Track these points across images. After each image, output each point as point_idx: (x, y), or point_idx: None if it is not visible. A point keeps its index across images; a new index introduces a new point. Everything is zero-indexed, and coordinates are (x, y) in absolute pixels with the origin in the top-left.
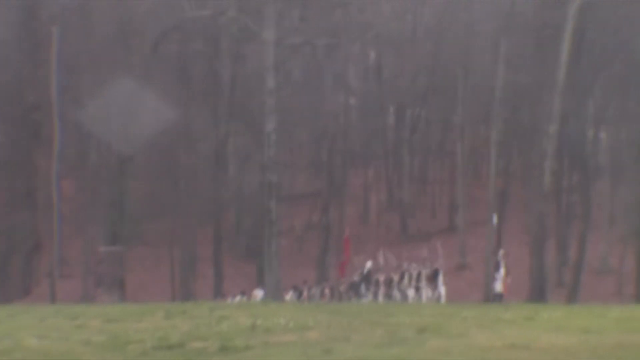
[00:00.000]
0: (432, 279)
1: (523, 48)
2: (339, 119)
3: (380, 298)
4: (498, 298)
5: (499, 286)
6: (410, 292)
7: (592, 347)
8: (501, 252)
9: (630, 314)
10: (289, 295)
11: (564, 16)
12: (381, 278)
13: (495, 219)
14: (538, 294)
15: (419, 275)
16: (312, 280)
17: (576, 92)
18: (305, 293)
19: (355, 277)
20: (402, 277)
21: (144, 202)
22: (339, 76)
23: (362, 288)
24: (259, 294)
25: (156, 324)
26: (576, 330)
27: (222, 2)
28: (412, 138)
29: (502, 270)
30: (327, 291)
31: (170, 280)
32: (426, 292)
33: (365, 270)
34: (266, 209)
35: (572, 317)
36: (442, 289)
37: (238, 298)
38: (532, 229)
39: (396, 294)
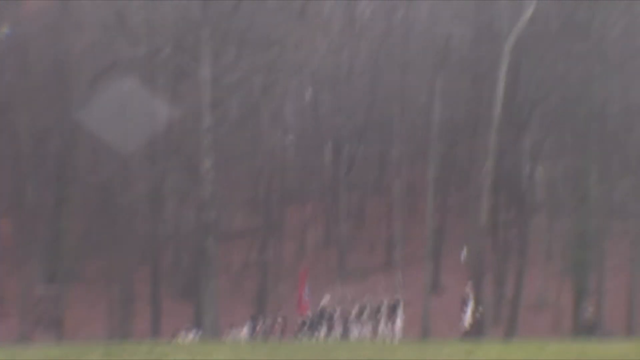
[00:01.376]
0: (392, 311)
1: (459, 84)
2: (276, 156)
3: (337, 333)
4: (468, 332)
5: (467, 320)
6: (367, 327)
7: None
8: (468, 285)
9: (566, 348)
10: (246, 326)
11: (500, 51)
12: (337, 312)
13: (464, 253)
14: (476, 329)
15: (379, 307)
16: (271, 311)
17: (512, 127)
18: (260, 323)
19: (309, 313)
20: (362, 311)
21: (81, 240)
22: (276, 113)
23: (314, 324)
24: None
25: None
26: None
27: (158, 40)
28: (349, 174)
29: (471, 304)
30: (280, 321)
31: (108, 318)
32: (385, 326)
33: (320, 305)
34: (203, 247)
35: (509, 352)
36: (399, 323)
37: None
38: (469, 264)
39: (353, 328)
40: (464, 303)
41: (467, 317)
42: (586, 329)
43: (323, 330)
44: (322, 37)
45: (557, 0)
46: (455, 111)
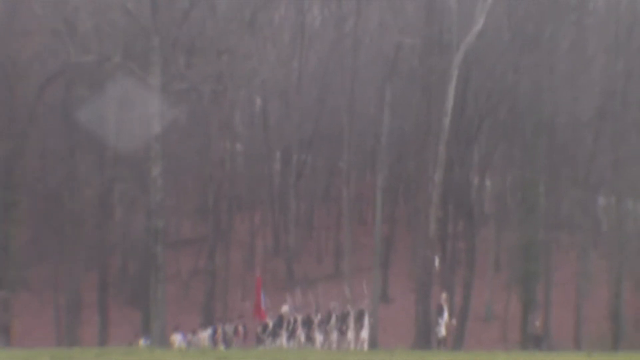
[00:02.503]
0: (358, 320)
1: (408, 95)
2: (225, 164)
3: (302, 339)
4: (442, 342)
5: (442, 330)
6: (334, 335)
7: None
8: (443, 296)
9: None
10: (205, 333)
11: (449, 63)
12: (299, 318)
13: (437, 261)
14: (423, 340)
15: (346, 316)
16: (231, 316)
17: (461, 139)
18: (219, 330)
19: (269, 319)
20: (328, 318)
21: (29, 247)
22: (225, 122)
23: (274, 331)
24: (177, 338)
25: None
26: None
27: (108, 48)
28: (298, 184)
29: (446, 315)
30: (240, 328)
31: (56, 325)
32: (352, 334)
33: (280, 313)
34: (152, 255)
35: None
36: (366, 332)
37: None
38: (417, 275)
39: (317, 335)
40: (439, 313)
41: (442, 328)
42: (533, 341)
43: (284, 337)
44: (272, 47)
45: (507, 13)
46: (404, 122)
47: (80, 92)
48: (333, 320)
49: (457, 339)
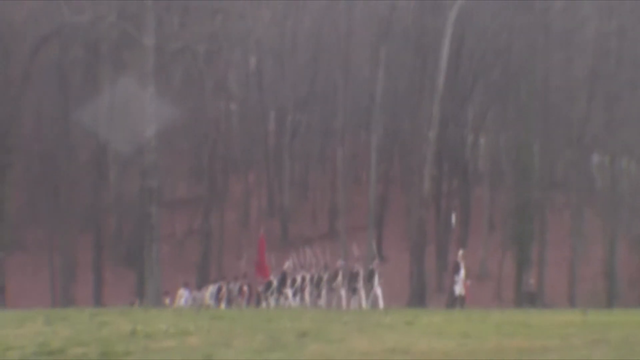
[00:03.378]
0: (369, 279)
1: (403, 54)
2: (220, 124)
3: (307, 298)
4: (460, 301)
5: (459, 289)
6: (343, 292)
7: (471, 352)
8: (460, 252)
9: (508, 318)
10: (209, 290)
11: (443, 23)
12: (307, 276)
13: (454, 219)
14: (418, 299)
15: (355, 274)
16: (231, 275)
17: (455, 98)
18: (224, 288)
19: (272, 277)
20: (335, 276)
21: (24, 208)
22: (220, 82)
23: (274, 288)
24: (183, 293)
25: (37, 330)
26: (455, 335)
27: (102, 8)
28: (293, 144)
29: (462, 272)
30: (245, 288)
31: (51, 286)
32: (363, 293)
33: (284, 269)
34: (146, 215)
35: (451, 321)
36: (379, 290)
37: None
38: (412, 234)
39: (324, 294)
40: (455, 271)
41: (459, 286)
42: (528, 299)
43: (289, 294)
44: (266, 6)
45: None
46: (398, 81)
47: (75, 53)
48: (340, 278)
49: (451, 297)
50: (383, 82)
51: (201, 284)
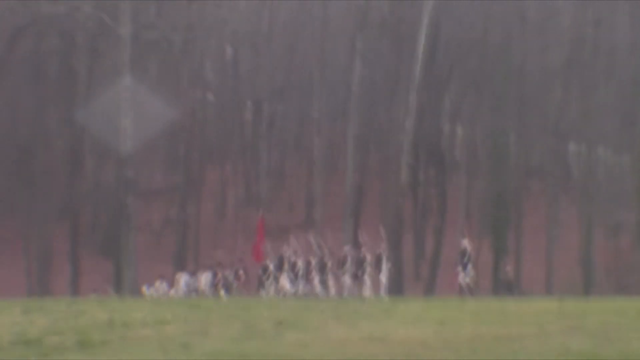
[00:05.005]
0: (376, 265)
1: (379, 44)
2: (196, 114)
3: (315, 284)
4: (469, 290)
5: (467, 278)
6: (347, 279)
7: (447, 339)
8: (466, 241)
9: (485, 306)
10: (204, 276)
11: (420, 12)
12: (312, 261)
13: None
14: (395, 287)
15: (362, 261)
16: (226, 262)
17: (432, 87)
18: (219, 275)
19: (269, 262)
20: (343, 262)
21: (0, 197)
22: (196, 72)
23: (270, 273)
24: (182, 277)
25: (14, 319)
26: (432, 323)
27: None
28: (269, 133)
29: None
30: (241, 273)
31: (27, 275)
32: (369, 279)
33: (282, 253)
34: (123, 205)
35: (428, 309)
36: (384, 277)
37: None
38: (388, 223)
39: (329, 280)
40: (463, 259)
41: (468, 274)
42: (505, 287)
43: (286, 280)
44: None
45: None
46: (375, 71)
47: (51, 43)
48: (348, 264)
49: (428, 285)
50: (359, 71)
51: (210, 267)
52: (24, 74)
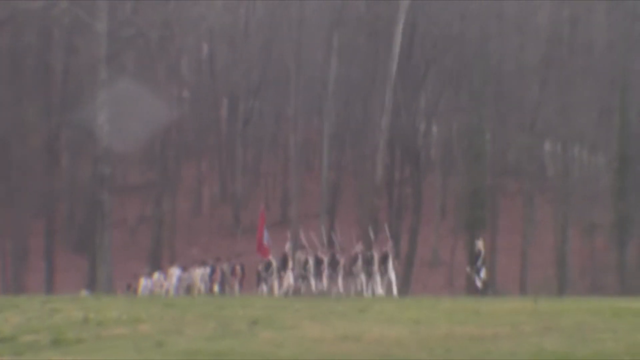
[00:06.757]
0: (382, 263)
1: (355, 41)
2: (172, 111)
3: (325, 282)
4: (483, 289)
5: (482, 277)
6: (363, 277)
7: (422, 338)
8: (481, 242)
9: (460, 306)
10: (201, 270)
11: (396, 10)
12: (323, 258)
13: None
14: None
15: (371, 258)
16: (224, 257)
17: (408, 85)
18: (218, 270)
19: (272, 258)
20: (354, 260)
21: None
22: (172, 68)
23: (275, 269)
24: (175, 272)
25: None
26: (407, 322)
27: None
28: (245, 130)
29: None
30: (237, 268)
31: (2, 272)
32: (378, 278)
33: (285, 251)
34: (98, 201)
35: (403, 309)
36: (392, 275)
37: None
38: (364, 221)
39: (339, 278)
40: (477, 260)
41: (482, 275)
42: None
43: (290, 277)
44: None
45: None
46: (351, 68)
47: (28, 39)
48: (360, 262)
49: (403, 285)
50: (336, 68)
51: (204, 263)
52: (0, 69)
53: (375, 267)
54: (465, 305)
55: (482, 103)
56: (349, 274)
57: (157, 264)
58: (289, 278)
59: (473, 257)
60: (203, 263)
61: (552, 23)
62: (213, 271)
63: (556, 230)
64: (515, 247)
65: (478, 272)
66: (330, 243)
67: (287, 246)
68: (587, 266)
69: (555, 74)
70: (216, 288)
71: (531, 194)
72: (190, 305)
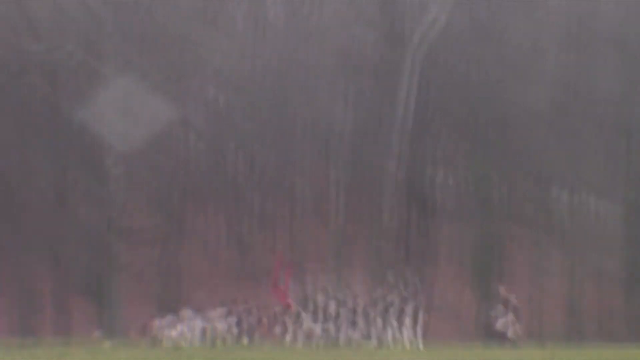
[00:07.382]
0: (402, 309)
1: (362, 86)
2: (179, 154)
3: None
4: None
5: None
6: (392, 323)
7: None
8: (503, 289)
9: (476, 354)
10: (223, 319)
11: (404, 55)
12: (360, 304)
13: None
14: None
15: (389, 305)
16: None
17: (415, 131)
18: (244, 321)
19: (291, 302)
20: (386, 309)
21: None
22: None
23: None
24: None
25: None
26: None
27: (61, 37)
28: (253, 175)
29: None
30: (265, 320)
31: (8, 315)
32: (409, 328)
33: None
34: (106, 245)
35: (419, 355)
36: (419, 329)
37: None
38: (371, 265)
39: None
40: (507, 307)
41: (511, 323)
42: (491, 335)
43: (308, 321)
44: (225, 36)
45: (459, 1)
46: (358, 114)
47: (32, 80)
48: (380, 307)
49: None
50: (342, 113)
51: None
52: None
53: (407, 318)
54: (485, 354)
55: (489, 148)
56: (369, 320)
57: (164, 308)
58: (312, 324)
59: (495, 304)
60: (223, 306)
61: (558, 68)
62: (239, 321)
63: (565, 277)
64: (524, 295)
65: (504, 319)
66: (346, 287)
67: (310, 290)
68: (597, 313)
69: (562, 120)
70: (245, 340)
71: (539, 240)
72: (198, 352)
